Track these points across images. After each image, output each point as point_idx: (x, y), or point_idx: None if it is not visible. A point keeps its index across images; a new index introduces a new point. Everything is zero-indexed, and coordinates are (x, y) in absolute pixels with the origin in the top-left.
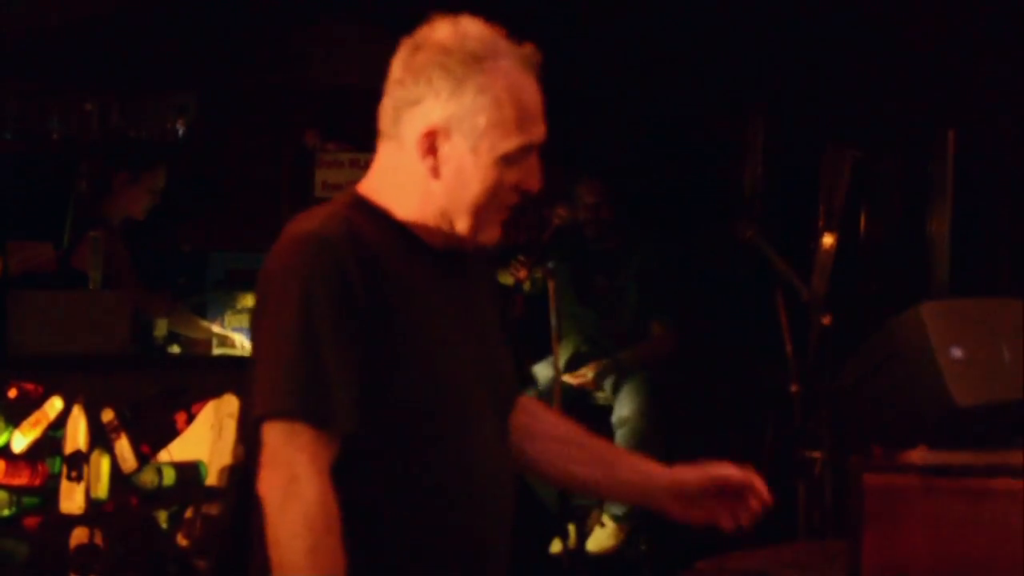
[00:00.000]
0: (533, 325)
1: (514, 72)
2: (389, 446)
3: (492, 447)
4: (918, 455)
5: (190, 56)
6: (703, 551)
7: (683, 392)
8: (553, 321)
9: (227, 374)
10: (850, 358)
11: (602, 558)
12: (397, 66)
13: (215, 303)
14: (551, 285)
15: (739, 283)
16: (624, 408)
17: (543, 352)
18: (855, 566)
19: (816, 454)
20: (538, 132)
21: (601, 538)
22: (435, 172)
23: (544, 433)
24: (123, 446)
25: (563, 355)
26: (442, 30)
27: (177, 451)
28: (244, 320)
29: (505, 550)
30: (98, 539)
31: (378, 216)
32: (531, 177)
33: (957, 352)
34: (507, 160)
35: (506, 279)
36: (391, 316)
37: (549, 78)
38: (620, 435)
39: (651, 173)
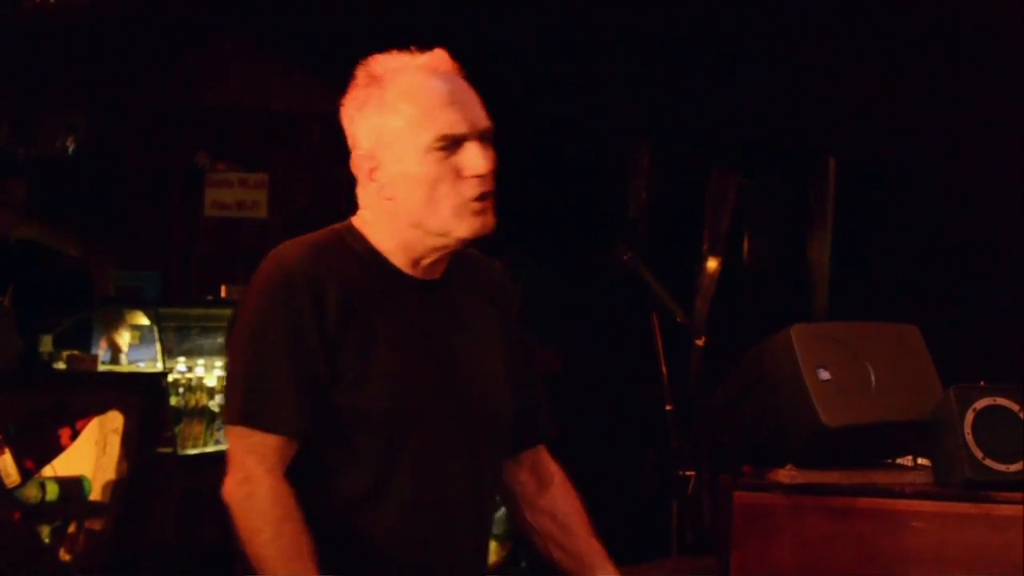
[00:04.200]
0: None
1: (413, 78)
2: (339, 456)
3: (447, 469)
4: (786, 474)
5: (81, 75)
6: None
7: (561, 412)
8: None
9: (111, 391)
10: (724, 378)
11: None
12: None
13: (103, 320)
14: None
15: (619, 305)
16: None
17: None
18: None
19: (691, 473)
20: (454, 121)
21: None
22: (383, 193)
23: (543, 508)
24: (6, 461)
25: None
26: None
27: (61, 466)
28: (132, 336)
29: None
30: None
31: (359, 246)
32: (471, 162)
33: (824, 374)
34: (430, 153)
35: None
36: (347, 339)
37: None
38: None
39: (538, 197)
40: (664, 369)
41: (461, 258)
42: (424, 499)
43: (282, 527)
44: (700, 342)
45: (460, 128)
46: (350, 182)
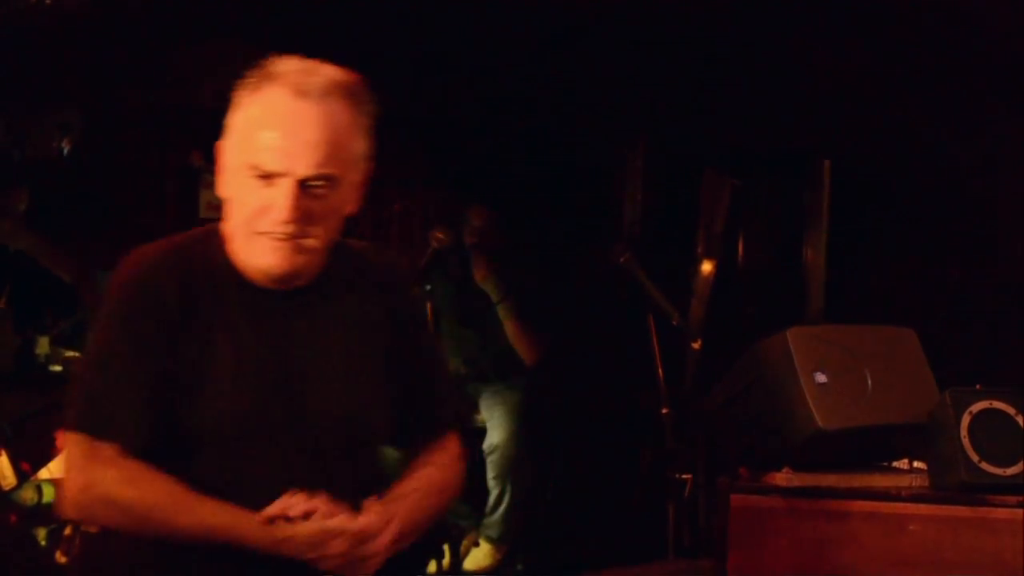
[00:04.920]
0: None
1: (274, 92)
2: (172, 460)
3: (283, 485)
4: (782, 477)
5: (76, 75)
6: (578, 570)
7: (557, 416)
8: None
9: None
10: (720, 381)
11: None
12: None
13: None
14: (428, 307)
15: (615, 308)
16: (495, 435)
17: None
18: None
19: (687, 476)
20: (270, 157)
21: (478, 557)
22: (223, 192)
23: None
24: (2, 463)
25: None
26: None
27: (57, 468)
28: None
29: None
30: None
31: (216, 251)
32: (275, 203)
33: (821, 377)
34: (245, 177)
35: None
36: (185, 352)
37: (439, 107)
38: (491, 461)
39: (533, 199)
40: (660, 371)
41: (346, 255)
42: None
43: (158, 498)
44: (696, 344)
45: (272, 165)
46: None
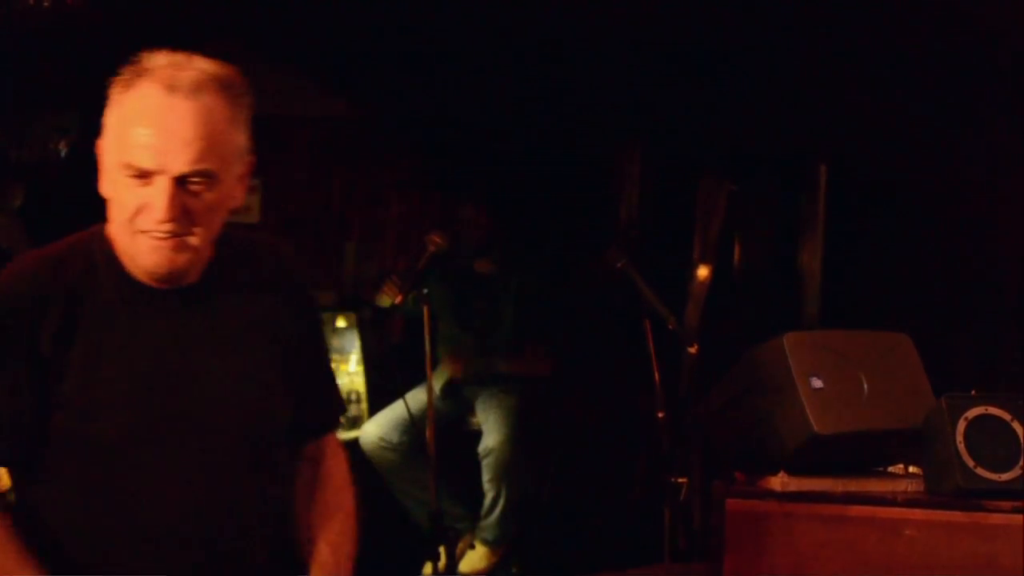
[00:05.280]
0: (416, 349)
1: (145, 89)
2: (73, 483)
3: (175, 484)
4: (778, 481)
5: (73, 77)
6: (573, 573)
7: (553, 419)
8: (426, 347)
9: None
10: (716, 385)
11: None
12: None
13: None
14: (425, 311)
15: (612, 312)
16: (490, 438)
17: (423, 376)
18: None
19: (682, 479)
20: (144, 154)
21: (473, 560)
22: (106, 192)
23: (313, 506)
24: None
25: (439, 380)
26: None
27: None
28: None
29: None
30: None
31: (102, 254)
32: (153, 203)
33: (817, 382)
34: (120, 176)
35: (384, 301)
36: (71, 362)
37: (437, 110)
38: (487, 464)
39: (530, 203)
40: (656, 375)
41: (235, 248)
42: (160, 526)
43: None
44: (692, 349)
45: (146, 163)
46: (343, 187)
